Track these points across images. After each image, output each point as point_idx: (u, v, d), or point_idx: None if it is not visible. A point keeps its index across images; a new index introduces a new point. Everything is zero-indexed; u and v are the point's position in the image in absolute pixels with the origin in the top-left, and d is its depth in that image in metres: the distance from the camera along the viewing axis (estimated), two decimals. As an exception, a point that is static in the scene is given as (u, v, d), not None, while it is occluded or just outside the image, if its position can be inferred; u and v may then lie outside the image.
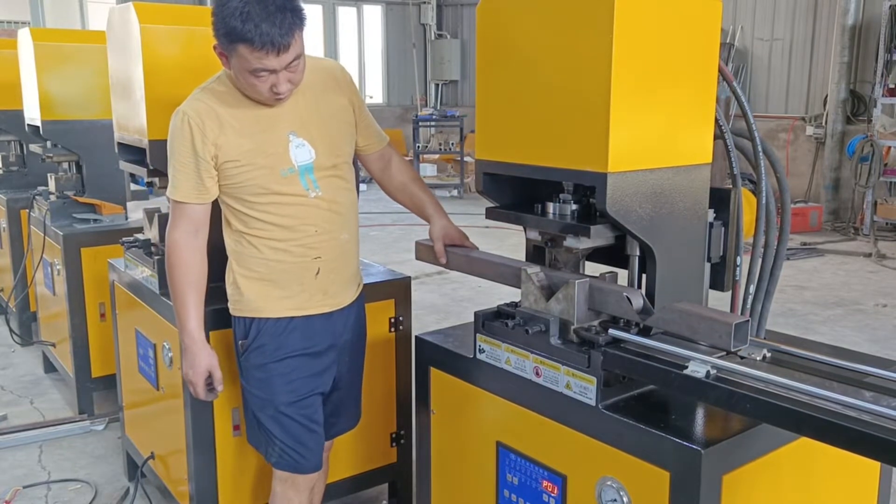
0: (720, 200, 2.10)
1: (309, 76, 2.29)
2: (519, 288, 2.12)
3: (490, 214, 2.19)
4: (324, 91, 2.39)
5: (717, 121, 2.04)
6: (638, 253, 1.98)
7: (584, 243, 1.99)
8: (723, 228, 2.10)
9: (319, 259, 2.36)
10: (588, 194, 2.05)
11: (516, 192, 2.19)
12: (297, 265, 2.34)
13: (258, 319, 2.37)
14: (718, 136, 2.07)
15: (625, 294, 1.88)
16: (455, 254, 2.42)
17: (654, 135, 1.88)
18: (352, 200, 2.47)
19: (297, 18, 2.11)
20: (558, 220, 2.04)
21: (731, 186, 2.10)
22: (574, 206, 2.03)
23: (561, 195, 2.06)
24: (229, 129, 2.24)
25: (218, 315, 2.53)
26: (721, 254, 2.12)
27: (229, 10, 2.06)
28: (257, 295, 2.36)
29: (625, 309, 1.89)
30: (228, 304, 2.44)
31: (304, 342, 2.39)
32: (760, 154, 2.09)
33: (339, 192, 2.40)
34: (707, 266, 2.11)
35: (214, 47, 2.18)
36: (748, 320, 1.73)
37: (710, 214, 2.08)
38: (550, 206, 2.06)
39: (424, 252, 2.52)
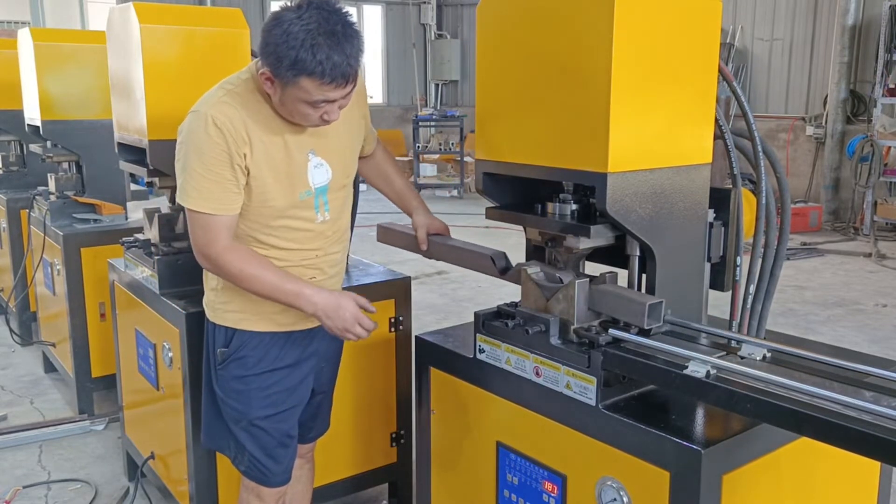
0: (720, 200, 2.10)
1: None
2: (489, 275, 2.14)
3: (490, 214, 2.19)
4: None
5: (717, 121, 2.04)
6: (638, 253, 1.98)
7: (584, 243, 1.99)
8: (723, 228, 2.10)
9: (314, 279, 2.25)
10: (588, 194, 2.05)
11: (516, 192, 2.19)
12: None
13: (241, 331, 2.26)
14: (718, 136, 2.08)
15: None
16: (435, 242, 2.43)
17: (654, 135, 1.88)
18: (350, 215, 2.40)
19: (361, 43, 1.95)
20: (558, 220, 2.04)
21: (731, 186, 2.10)
22: (574, 206, 2.02)
23: (561, 195, 2.05)
24: (256, 142, 2.08)
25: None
26: (721, 254, 2.12)
27: (294, 40, 1.86)
28: (244, 307, 2.24)
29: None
30: (206, 308, 2.33)
31: (286, 355, 2.30)
32: (760, 154, 2.09)
33: (343, 211, 2.32)
34: (707, 266, 2.11)
35: (262, 73, 1.98)
36: (662, 301, 1.81)
37: (710, 214, 2.08)
38: (550, 206, 2.06)
39: (387, 235, 2.56)
